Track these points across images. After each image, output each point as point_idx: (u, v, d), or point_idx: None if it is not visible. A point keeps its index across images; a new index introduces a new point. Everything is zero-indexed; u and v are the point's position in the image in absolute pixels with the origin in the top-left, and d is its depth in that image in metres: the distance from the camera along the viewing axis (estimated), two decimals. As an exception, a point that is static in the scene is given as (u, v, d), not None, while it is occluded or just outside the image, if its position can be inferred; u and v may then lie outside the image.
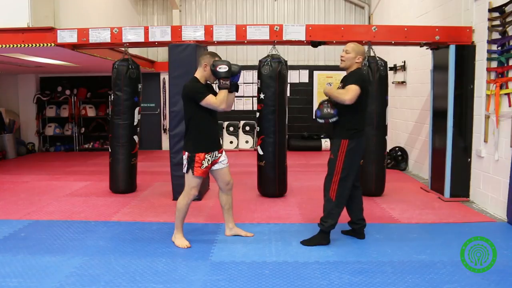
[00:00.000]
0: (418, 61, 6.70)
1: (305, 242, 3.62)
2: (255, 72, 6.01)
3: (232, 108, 8.95)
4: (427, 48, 5.52)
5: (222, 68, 3.40)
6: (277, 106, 5.07)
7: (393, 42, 5.25)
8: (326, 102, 3.58)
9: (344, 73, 3.72)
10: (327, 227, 3.55)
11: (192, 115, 3.49)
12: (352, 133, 3.50)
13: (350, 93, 3.38)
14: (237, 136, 9.99)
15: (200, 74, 3.54)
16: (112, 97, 5.41)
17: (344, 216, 3.80)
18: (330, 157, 3.58)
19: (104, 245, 3.62)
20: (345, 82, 3.55)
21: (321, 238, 3.59)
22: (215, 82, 3.55)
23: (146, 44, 5.30)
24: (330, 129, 3.75)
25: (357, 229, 3.80)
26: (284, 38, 5.07)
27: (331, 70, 9.83)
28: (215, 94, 3.50)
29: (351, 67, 3.60)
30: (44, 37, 5.27)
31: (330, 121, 3.56)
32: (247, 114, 9.98)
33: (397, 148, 7.40)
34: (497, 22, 4.48)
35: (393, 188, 5.66)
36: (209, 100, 3.41)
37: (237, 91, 3.60)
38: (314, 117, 3.84)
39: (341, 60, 3.62)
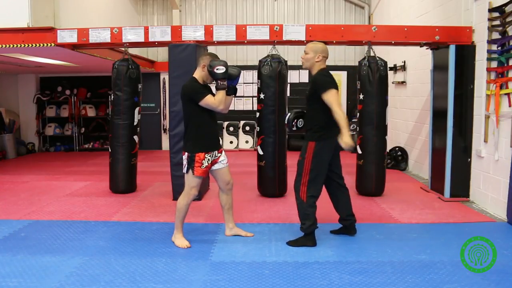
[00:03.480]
0: (418, 61, 6.70)
1: (291, 243, 3.61)
2: (255, 72, 6.00)
3: (232, 108, 8.94)
4: (427, 48, 5.52)
5: (220, 69, 3.38)
6: (277, 106, 5.07)
7: (393, 42, 5.25)
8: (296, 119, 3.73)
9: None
10: (306, 228, 3.54)
11: (191, 115, 3.49)
12: (319, 135, 3.51)
13: (337, 102, 3.45)
14: (237, 136, 9.98)
15: (199, 74, 3.54)
16: (112, 97, 5.41)
17: (334, 216, 3.82)
18: (298, 158, 3.61)
19: (104, 245, 3.62)
20: (315, 89, 3.55)
21: (306, 240, 3.58)
22: (212, 83, 3.54)
23: (146, 44, 5.30)
24: None
25: (348, 225, 3.81)
26: (284, 38, 5.07)
27: (331, 70, 9.74)
28: (213, 94, 3.49)
29: (313, 68, 3.64)
30: (44, 37, 5.27)
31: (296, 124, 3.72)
32: (247, 114, 9.97)
33: (397, 148, 7.40)
34: (497, 22, 4.48)
35: (393, 188, 5.66)
36: (208, 101, 3.41)
37: (235, 94, 3.60)
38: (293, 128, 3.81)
39: (302, 62, 3.72)
